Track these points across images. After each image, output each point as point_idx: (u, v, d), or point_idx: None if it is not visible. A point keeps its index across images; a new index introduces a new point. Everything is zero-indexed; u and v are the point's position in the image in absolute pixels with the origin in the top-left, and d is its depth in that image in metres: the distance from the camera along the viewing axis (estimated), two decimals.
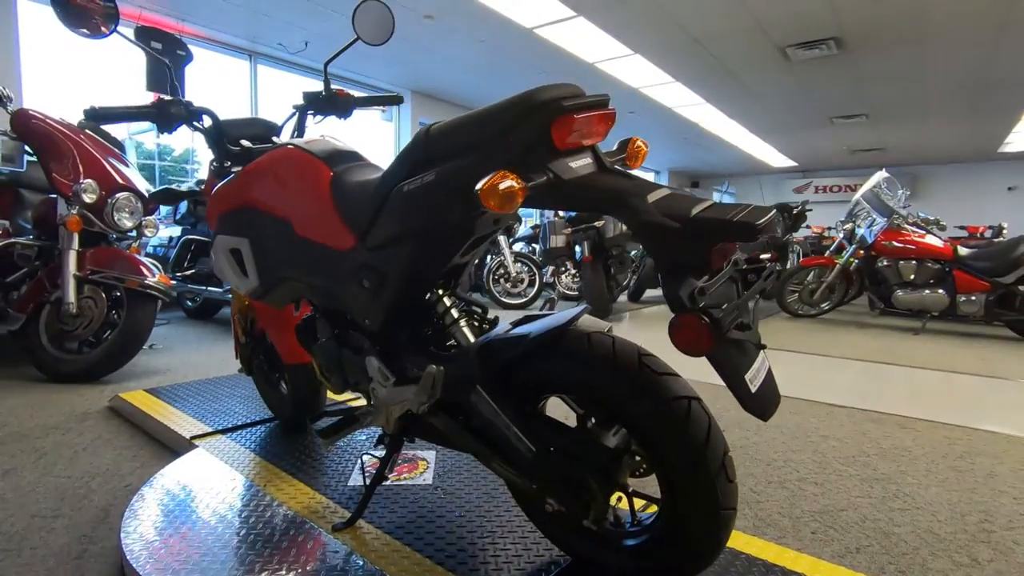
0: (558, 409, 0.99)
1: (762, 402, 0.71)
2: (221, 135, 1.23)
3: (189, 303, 4.41)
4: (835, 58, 5.61)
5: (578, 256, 4.70)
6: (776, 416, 2.11)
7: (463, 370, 0.91)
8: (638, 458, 0.90)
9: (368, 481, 1.13)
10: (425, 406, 0.92)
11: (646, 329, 4.46)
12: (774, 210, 0.65)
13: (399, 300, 0.98)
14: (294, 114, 1.53)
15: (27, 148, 2.62)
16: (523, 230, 6.46)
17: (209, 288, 3.78)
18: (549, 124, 0.73)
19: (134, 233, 2.69)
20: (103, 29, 1.08)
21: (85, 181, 2.48)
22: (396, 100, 1.64)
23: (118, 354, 2.48)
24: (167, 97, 1.16)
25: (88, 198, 2.46)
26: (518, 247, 6.39)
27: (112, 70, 5.45)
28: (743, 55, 5.72)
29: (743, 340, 0.71)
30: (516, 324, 0.95)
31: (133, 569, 0.97)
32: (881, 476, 1.60)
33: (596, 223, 4.64)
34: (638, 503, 0.96)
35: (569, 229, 4.75)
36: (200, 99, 1.21)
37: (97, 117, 1.08)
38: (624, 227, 4.61)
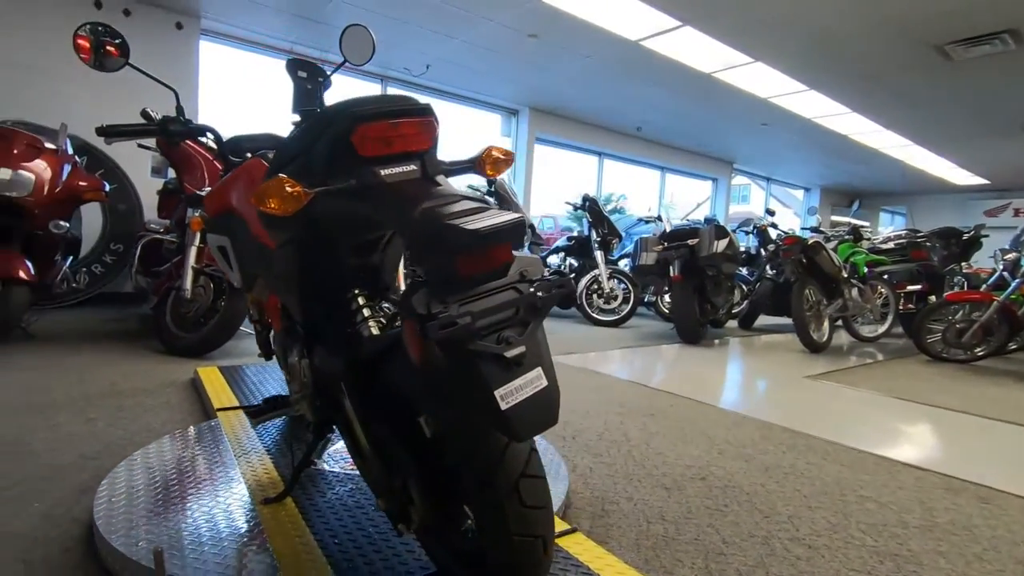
0: None
1: (515, 422, 0.66)
2: (223, 147, 1.44)
3: None
4: (1012, 54, 4.67)
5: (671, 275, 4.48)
6: (817, 466, 1.84)
7: (332, 366, 0.95)
8: None
9: (295, 464, 1.23)
10: (298, 396, 0.98)
11: (734, 360, 4.09)
12: (516, 218, 0.61)
13: (312, 295, 1.06)
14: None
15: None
16: (561, 240, 6.22)
17: None
18: (348, 134, 0.76)
19: None
20: (109, 63, 1.33)
21: (206, 189, 2.97)
22: None
23: (216, 336, 2.92)
24: (171, 115, 1.39)
25: None
26: (556, 259, 6.20)
27: (268, 96, 6.41)
28: (886, 56, 5.01)
29: (500, 354, 0.66)
30: None
31: (95, 510, 1.17)
32: (904, 554, 1.33)
33: (689, 240, 4.38)
34: None
35: (661, 246, 4.54)
36: None
37: (108, 134, 1.33)
38: (722, 246, 4.29)
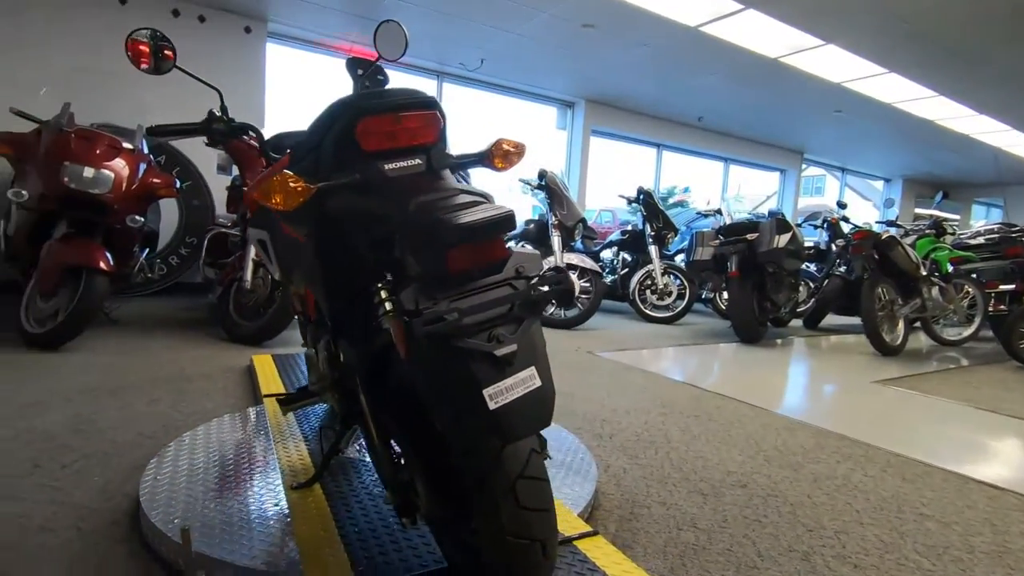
0: None
1: (503, 422, 0.63)
2: (264, 145, 1.49)
3: None
4: None
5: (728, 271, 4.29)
6: (875, 479, 1.71)
7: (351, 359, 0.97)
8: None
9: (324, 452, 1.27)
10: (317, 386, 1.00)
11: (795, 361, 3.87)
12: (505, 212, 0.58)
13: (335, 288, 1.08)
14: None
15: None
16: (614, 234, 5.97)
17: None
18: (351, 128, 0.76)
19: None
20: (163, 66, 1.40)
21: None
22: None
23: (273, 325, 3.06)
24: (216, 113, 1.46)
25: None
26: (608, 253, 5.94)
27: (330, 95, 6.64)
28: (983, 30, 4.55)
29: (490, 353, 0.64)
30: None
31: (141, 487, 1.25)
32: None
33: (748, 235, 4.18)
34: None
35: (717, 241, 4.36)
36: None
37: (156, 133, 1.41)
38: (783, 241, 4.07)
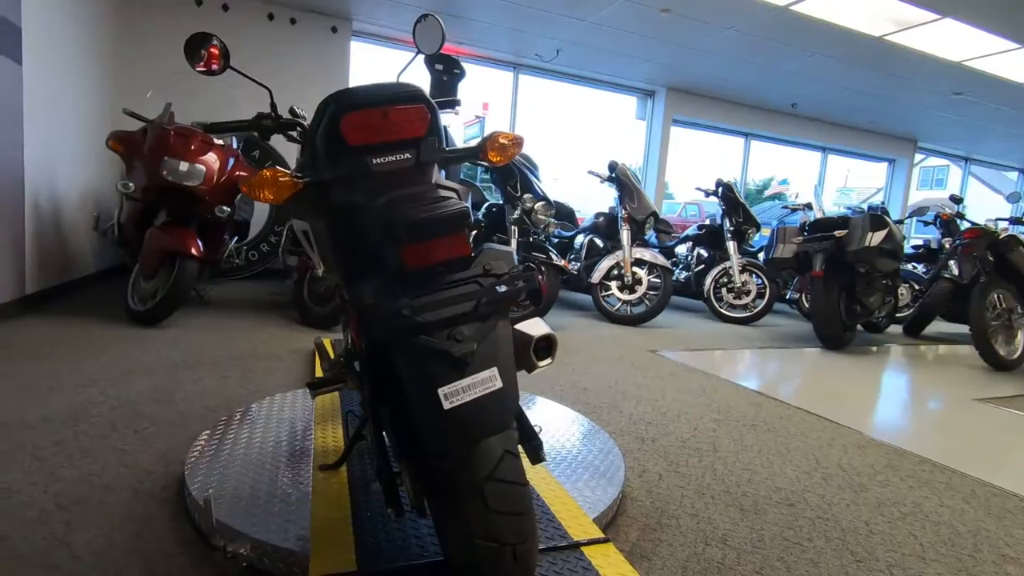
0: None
1: (455, 423, 0.61)
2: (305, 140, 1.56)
3: None
4: None
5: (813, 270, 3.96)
6: (952, 510, 1.53)
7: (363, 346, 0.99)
8: None
9: (350, 436, 1.32)
10: (327, 370, 1.04)
11: (884, 372, 3.52)
12: (455, 209, 0.55)
13: (353, 277, 1.11)
14: None
15: None
16: (691, 229, 5.57)
17: None
18: (337, 123, 0.77)
19: None
20: (218, 66, 1.49)
21: None
22: (451, 104, 1.72)
23: (335, 312, 3.23)
24: (265, 111, 1.54)
25: None
26: (683, 249, 5.52)
27: None
28: None
29: (447, 351, 0.62)
30: None
31: (188, 456, 1.37)
32: None
33: (836, 232, 3.83)
34: None
35: (801, 237, 4.04)
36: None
37: (213, 131, 1.50)
38: (876, 239, 3.71)
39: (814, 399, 2.57)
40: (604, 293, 4.42)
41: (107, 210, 4.16)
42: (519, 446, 0.93)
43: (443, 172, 0.87)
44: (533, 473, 1.39)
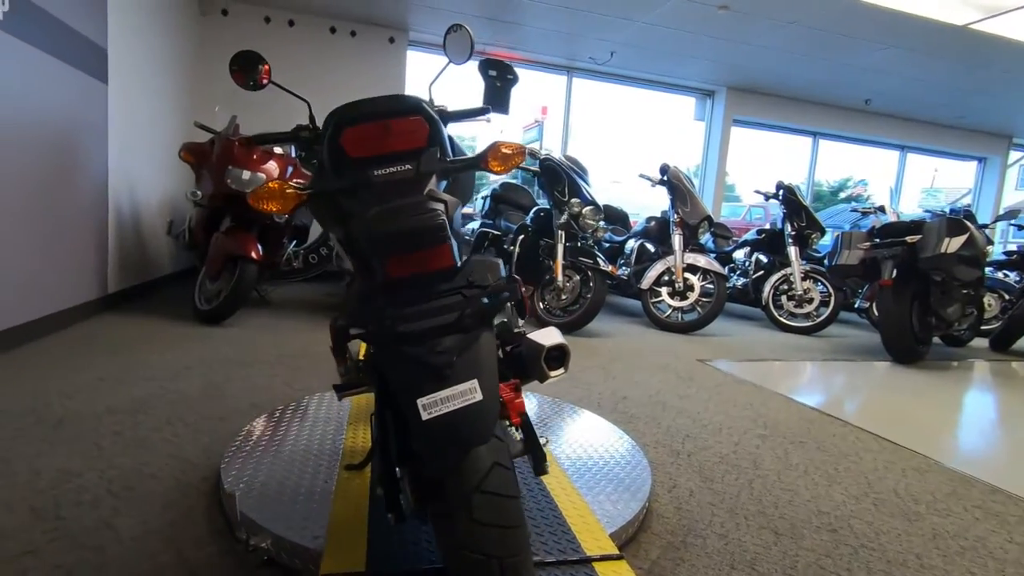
0: None
1: (433, 434, 0.61)
2: None
3: None
4: None
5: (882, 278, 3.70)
6: (1022, 547, 1.38)
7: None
8: None
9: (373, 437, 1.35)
10: (342, 374, 1.06)
11: (959, 389, 3.23)
12: (432, 222, 0.55)
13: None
14: None
15: None
16: (750, 234, 5.22)
17: None
18: (338, 137, 0.79)
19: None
20: (264, 81, 1.57)
21: None
22: (482, 111, 1.73)
23: None
24: (303, 123, 1.60)
25: None
26: (741, 255, 5.15)
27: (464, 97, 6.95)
28: None
29: (426, 362, 0.62)
30: None
31: (226, 450, 1.45)
32: None
33: (908, 237, 3.56)
34: None
35: (869, 243, 3.78)
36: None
37: (258, 141, 1.58)
38: (955, 245, 3.42)
39: (874, 417, 2.39)
40: (654, 299, 4.31)
41: (180, 216, 4.48)
42: (526, 456, 0.92)
43: (444, 183, 0.88)
44: (554, 484, 1.38)
